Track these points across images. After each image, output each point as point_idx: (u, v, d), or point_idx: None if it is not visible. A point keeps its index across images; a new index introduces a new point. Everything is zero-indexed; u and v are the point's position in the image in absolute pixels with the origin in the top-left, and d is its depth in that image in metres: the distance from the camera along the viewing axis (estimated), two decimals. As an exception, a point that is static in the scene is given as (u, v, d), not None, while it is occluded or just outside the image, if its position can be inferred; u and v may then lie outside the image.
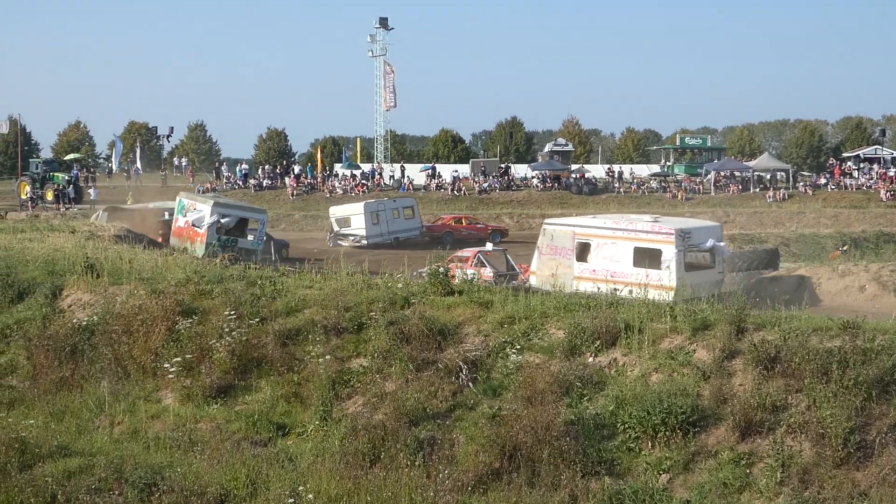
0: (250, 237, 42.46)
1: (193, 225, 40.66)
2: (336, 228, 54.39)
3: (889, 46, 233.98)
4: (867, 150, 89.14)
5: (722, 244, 30.06)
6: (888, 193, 73.64)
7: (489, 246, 37.54)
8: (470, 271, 29.20)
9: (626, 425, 16.46)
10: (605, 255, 29.40)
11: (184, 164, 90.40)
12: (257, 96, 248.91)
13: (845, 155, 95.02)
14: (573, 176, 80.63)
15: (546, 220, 34.20)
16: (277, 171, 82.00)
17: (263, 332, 21.21)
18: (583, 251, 30.13)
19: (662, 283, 26.90)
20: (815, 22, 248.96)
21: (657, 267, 27.97)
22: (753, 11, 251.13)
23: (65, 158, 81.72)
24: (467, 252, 35.61)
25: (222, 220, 41.04)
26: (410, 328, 19.86)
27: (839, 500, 14.51)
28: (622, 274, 28.47)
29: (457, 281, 22.81)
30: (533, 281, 30.31)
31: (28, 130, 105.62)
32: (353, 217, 54.36)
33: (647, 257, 28.62)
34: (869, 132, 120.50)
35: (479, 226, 59.44)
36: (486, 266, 33.45)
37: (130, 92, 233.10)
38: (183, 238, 40.77)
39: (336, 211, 56.22)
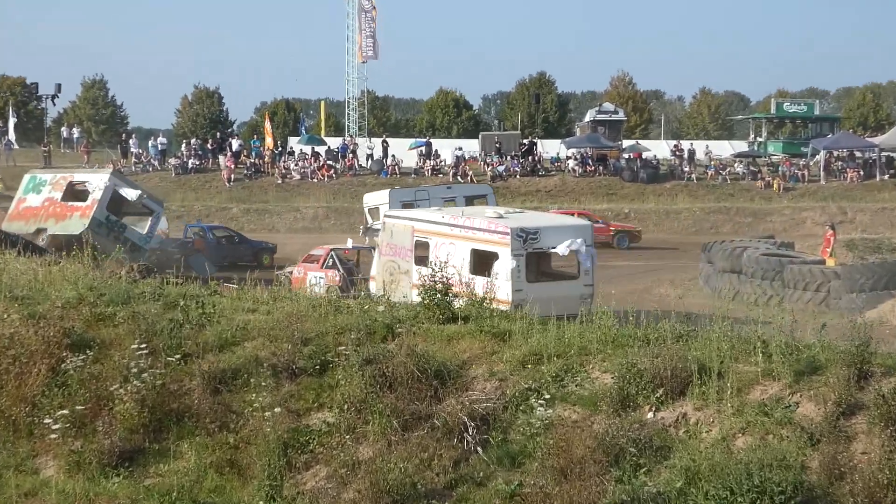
0: (139, 229, 43.17)
1: (69, 201, 41.54)
2: (369, 221, 54.85)
3: None
4: None
5: (584, 249, 31.92)
6: None
7: (350, 242, 37.81)
8: (316, 275, 29.58)
9: (701, 509, 16.33)
10: (442, 257, 29.56)
11: (75, 135, 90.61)
12: (180, 43, 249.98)
13: None
14: (625, 156, 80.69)
15: (386, 213, 36.65)
16: (209, 146, 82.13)
17: (187, 374, 21.09)
18: (422, 252, 32.17)
19: (498, 295, 27.55)
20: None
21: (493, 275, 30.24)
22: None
23: None
24: (320, 250, 35.94)
25: (122, 192, 41.89)
26: (395, 369, 19.75)
27: None
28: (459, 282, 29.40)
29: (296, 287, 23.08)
30: (372, 288, 31.72)
31: None
32: (381, 208, 54.88)
33: (485, 262, 30.79)
34: None
35: (598, 224, 57.16)
36: (337, 268, 34.42)
37: None
38: (37, 218, 41.45)
39: (369, 199, 56.85)
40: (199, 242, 52.36)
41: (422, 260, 31.62)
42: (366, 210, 57.30)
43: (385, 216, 35.33)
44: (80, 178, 44.92)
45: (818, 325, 20.33)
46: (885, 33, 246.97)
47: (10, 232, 41.58)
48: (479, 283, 27.88)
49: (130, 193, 43.92)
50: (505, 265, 30.53)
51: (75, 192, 43.96)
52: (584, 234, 32.66)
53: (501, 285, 29.92)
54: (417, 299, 26.03)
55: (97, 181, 43.54)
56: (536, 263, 32.18)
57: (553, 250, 31.79)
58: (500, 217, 32.67)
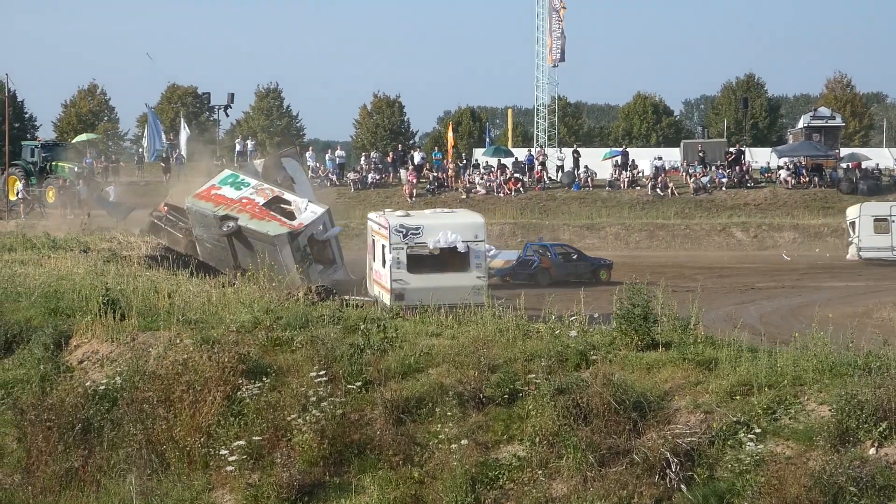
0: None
1: (272, 210, 45.05)
2: (851, 235, 56.49)
3: None
4: None
5: (467, 244, 38.14)
6: None
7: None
8: None
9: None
10: (378, 254, 39.01)
11: (249, 148, 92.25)
12: (357, 49, 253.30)
13: None
14: (843, 165, 79.44)
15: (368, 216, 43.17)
16: (389, 159, 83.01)
17: (368, 403, 21.46)
18: (373, 250, 39.12)
19: (383, 283, 36.21)
20: None
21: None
22: None
23: (73, 141, 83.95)
24: None
25: (328, 231, 45.94)
26: (590, 399, 19.83)
27: None
28: (380, 276, 37.58)
29: None
30: (370, 290, 38.23)
31: (20, 99, 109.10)
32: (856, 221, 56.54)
33: (384, 256, 37.94)
34: None
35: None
36: None
37: (170, 43, 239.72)
38: (228, 206, 45.29)
39: (850, 212, 58.85)
40: (544, 260, 53.94)
41: (374, 256, 38.64)
42: (855, 221, 60.43)
43: (368, 217, 42.22)
44: (290, 197, 46.11)
45: None
46: None
47: (194, 209, 43.46)
48: (383, 275, 36.15)
49: (333, 232, 45.17)
50: (388, 257, 37.93)
51: (280, 207, 45.23)
52: (472, 231, 38.63)
53: (384, 275, 37.70)
54: (377, 293, 33.81)
55: (311, 208, 44.75)
56: (422, 256, 38.35)
57: (435, 244, 38.37)
58: (407, 215, 40.77)
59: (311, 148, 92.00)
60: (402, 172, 78.94)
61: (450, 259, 37.96)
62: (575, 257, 55.05)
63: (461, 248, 37.84)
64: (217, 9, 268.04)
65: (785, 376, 19.98)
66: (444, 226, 38.90)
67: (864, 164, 79.54)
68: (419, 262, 38.15)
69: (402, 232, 37.67)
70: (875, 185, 75.26)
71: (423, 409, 21.18)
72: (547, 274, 51.74)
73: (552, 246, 56.97)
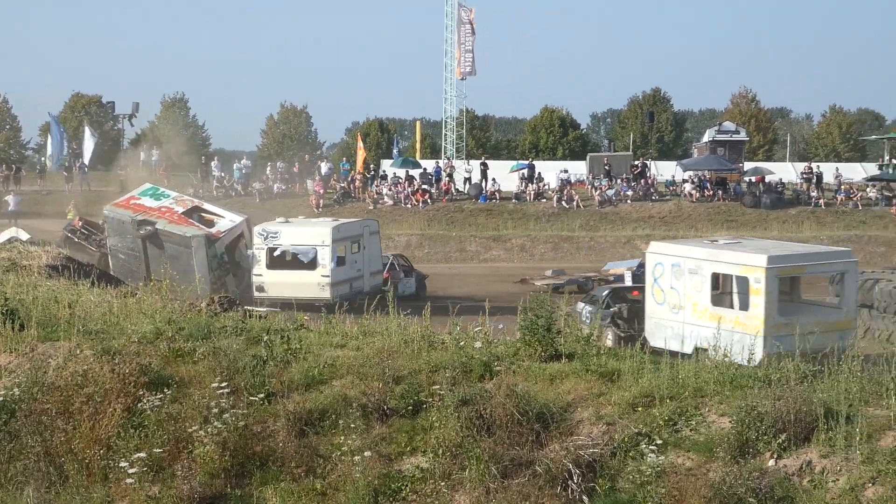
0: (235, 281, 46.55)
1: (191, 217, 45.76)
2: None
3: None
4: None
5: (310, 248, 44.61)
6: None
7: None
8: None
9: (828, 567, 16.34)
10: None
11: (154, 158, 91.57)
12: (265, 58, 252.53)
13: None
14: (747, 179, 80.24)
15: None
16: (295, 169, 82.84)
17: (271, 415, 21.35)
18: None
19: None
20: None
21: None
22: None
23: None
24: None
25: (247, 244, 47.51)
26: (493, 411, 19.85)
27: None
28: None
29: None
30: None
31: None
32: None
33: None
34: None
35: None
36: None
37: (74, 51, 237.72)
38: (147, 214, 46.46)
39: None
40: None
41: None
42: None
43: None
44: (211, 208, 47.16)
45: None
46: None
47: (112, 217, 45.61)
48: None
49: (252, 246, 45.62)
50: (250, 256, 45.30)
51: (200, 217, 45.89)
52: (320, 237, 44.83)
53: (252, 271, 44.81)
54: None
55: (230, 216, 46.14)
56: (280, 255, 44.56)
57: (287, 247, 44.64)
58: (287, 222, 47.08)
59: (216, 157, 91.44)
60: (309, 183, 78.75)
61: (301, 260, 44.39)
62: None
63: (308, 250, 44.47)
64: (122, 17, 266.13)
65: (686, 388, 20.15)
66: (298, 232, 45.67)
67: (767, 178, 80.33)
68: (276, 260, 44.67)
69: (263, 235, 44.65)
70: (778, 198, 76.00)
71: (327, 420, 21.13)
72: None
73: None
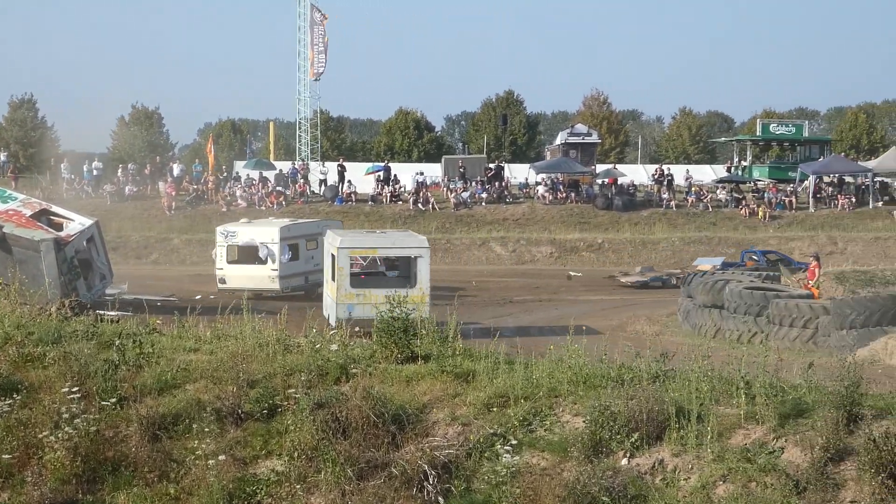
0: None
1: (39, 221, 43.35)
2: None
3: None
4: None
5: (261, 243, 49.25)
6: None
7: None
8: None
9: (679, 563, 16.53)
10: None
11: (2, 159, 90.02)
12: (116, 58, 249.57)
13: None
14: (599, 181, 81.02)
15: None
16: (147, 171, 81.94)
17: (123, 420, 21.09)
18: None
19: None
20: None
21: None
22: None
23: None
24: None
25: (97, 247, 45.03)
26: (349, 413, 19.84)
27: None
28: None
29: None
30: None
31: None
32: None
33: None
34: None
35: None
36: None
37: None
38: None
39: None
40: (749, 264, 55.77)
41: None
42: None
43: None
44: (60, 211, 46.07)
45: (805, 364, 20.52)
46: (879, 49, 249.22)
47: None
48: None
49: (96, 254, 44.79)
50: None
51: (49, 220, 44.85)
52: (269, 235, 49.39)
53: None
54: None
55: (80, 219, 45.03)
56: (238, 251, 49.17)
57: (243, 243, 49.32)
58: (250, 223, 53.46)
59: (66, 159, 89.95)
60: (161, 185, 77.83)
61: (256, 256, 48.97)
62: (789, 264, 55.08)
63: (260, 247, 49.00)
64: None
65: (541, 388, 20.29)
66: (252, 231, 50.40)
67: (619, 181, 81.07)
68: (235, 256, 49.46)
69: (224, 234, 49.89)
70: (630, 200, 76.76)
71: (180, 425, 20.96)
72: None
73: (762, 253, 58.04)
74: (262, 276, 48.69)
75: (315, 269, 49.32)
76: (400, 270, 42.25)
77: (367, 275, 43.68)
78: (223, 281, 48.66)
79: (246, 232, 50.37)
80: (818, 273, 42.02)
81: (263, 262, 49.16)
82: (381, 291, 33.94)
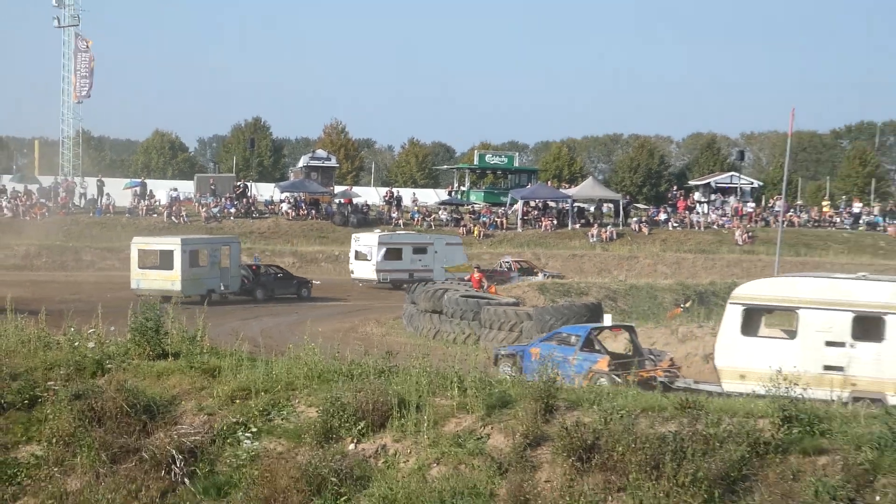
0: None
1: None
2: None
3: (749, 46, 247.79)
4: (720, 178, 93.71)
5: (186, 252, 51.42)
6: (745, 235, 77.43)
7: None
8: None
9: (398, 535, 16.80)
10: None
11: None
12: None
13: (692, 183, 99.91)
14: (337, 201, 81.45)
15: None
16: None
17: None
18: None
19: None
20: (661, 10, 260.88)
21: None
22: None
23: None
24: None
25: None
26: (104, 404, 19.69)
27: None
28: None
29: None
30: None
31: None
32: None
33: None
34: (724, 154, 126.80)
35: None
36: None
37: None
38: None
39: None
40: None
41: None
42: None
43: None
44: None
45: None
46: (581, 91, 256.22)
47: None
48: None
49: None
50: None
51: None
52: (216, 243, 53.77)
53: None
54: None
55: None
56: (194, 259, 51.20)
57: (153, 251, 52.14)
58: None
59: None
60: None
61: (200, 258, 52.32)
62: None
63: (167, 256, 51.02)
64: None
65: (279, 382, 20.45)
66: (161, 241, 53.52)
67: (354, 201, 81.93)
68: (192, 261, 51.31)
69: (147, 244, 53.06)
70: (364, 218, 77.50)
71: (-56, 413, 20.45)
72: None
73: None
74: (210, 280, 51.03)
75: (213, 276, 51.89)
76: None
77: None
78: (137, 283, 49.93)
79: (159, 242, 53.28)
80: (485, 282, 44.91)
81: (170, 267, 50.53)
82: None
